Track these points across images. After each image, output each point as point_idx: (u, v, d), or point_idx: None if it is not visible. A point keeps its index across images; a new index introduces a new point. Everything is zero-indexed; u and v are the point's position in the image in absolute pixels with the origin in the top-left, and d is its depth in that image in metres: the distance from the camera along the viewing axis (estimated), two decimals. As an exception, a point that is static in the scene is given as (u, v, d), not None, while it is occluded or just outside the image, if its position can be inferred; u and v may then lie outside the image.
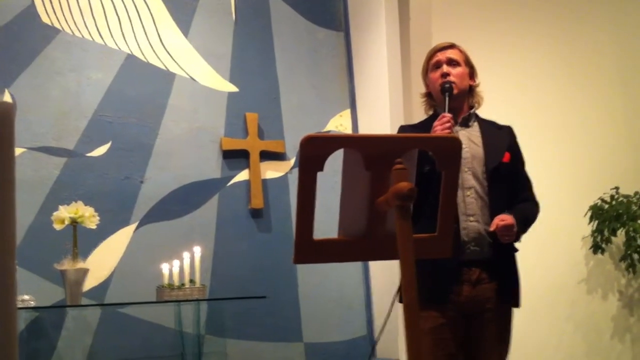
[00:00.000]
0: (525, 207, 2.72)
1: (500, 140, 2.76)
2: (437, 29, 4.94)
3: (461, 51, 2.82)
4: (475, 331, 2.63)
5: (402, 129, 2.89)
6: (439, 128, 2.55)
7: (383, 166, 1.62)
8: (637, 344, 4.49)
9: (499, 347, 2.64)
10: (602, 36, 4.87)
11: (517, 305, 2.71)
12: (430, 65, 2.82)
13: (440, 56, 2.78)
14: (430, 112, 2.87)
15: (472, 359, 2.65)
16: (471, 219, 2.59)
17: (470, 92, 2.81)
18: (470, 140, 2.71)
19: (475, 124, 2.79)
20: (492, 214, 2.61)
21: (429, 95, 2.87)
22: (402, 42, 5.02)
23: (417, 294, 1.55)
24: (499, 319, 2.64)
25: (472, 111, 2.81)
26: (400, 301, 2.58)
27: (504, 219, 2.55)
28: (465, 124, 2.77)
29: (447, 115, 2.59)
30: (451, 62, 2.76)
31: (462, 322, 2.62)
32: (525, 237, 2.70)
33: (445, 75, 2.73)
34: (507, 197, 2.69)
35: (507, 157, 2.71)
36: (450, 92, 2.69)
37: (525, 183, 2.81)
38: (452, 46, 2.82)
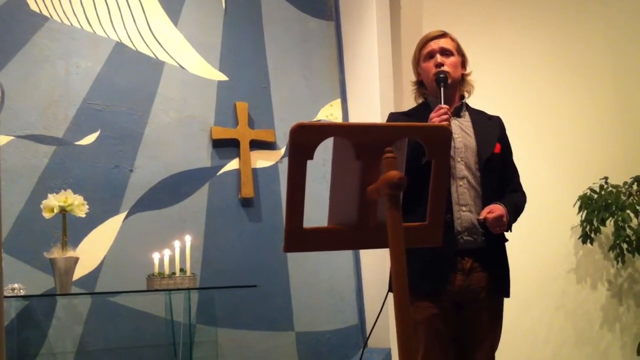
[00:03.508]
0: (514, 197, 2.74)
1: (491, 131, 2.76)
2: (427, 19, 4.94)
3: (453, 39, 2.81)
4: (467, 320, 2.64)
5: (392, 116, 2.89)
6: (437, 120, 2.54)
7: (373, 155, 1.62)
8: (626, 333, 4.52)
9: (490, 336, 2.65)
10: (592, 26, 4.88)
11: (507, 295, 2.72)
12: (423, 54, 2.79)
13: (434, 45, 2.76)
14: (420, 101, 2.87)
15: (463, 347, 2.66)
16: (464, 208, 2.60)
17: (461, 81, 2.81)
18: (463, 130, 2.72)
19: (466, 113, 2.79)
20: (484, 204, 2.62)
21: (419, 84, 2.85)
22: (392, 31, 5.02)
23: (407, 283, 1.55)
24: (491, 307, 2.66)
25: (463, 101, 2.81)
26: (391, 290, 2.59)
27: (493, 210, 2.56)
28: (457, 113, 2.77)
29: (444, 107, 2.58)
30: (444, 52, 2.75)
31: (455, 312, 2.63)
32: (514, 227, 2.72)
33: (439, 65, 2.72)
34: (498, 187, 2.70)
35: (498, 147, 2.72)
36: (445, 82, 2.68)
37: (513, 173, 2.83)
38: (444, 35, 2.80)
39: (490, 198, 2.64)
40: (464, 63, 2.82)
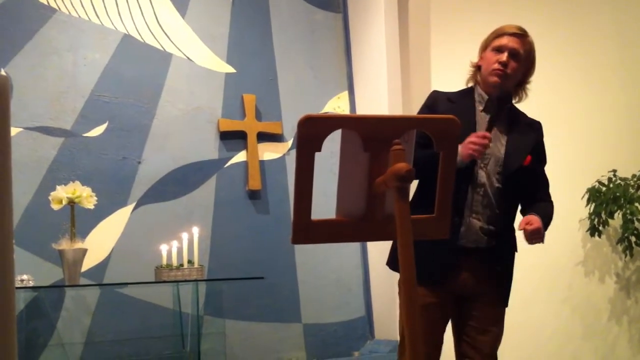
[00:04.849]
0: (545, 207, 2.68)
1: (526, 141, 2.67)
2: (435, 12, 4.92)
3: (530, 44, 2.71)
4: (468, 313, 2.62)
5: (436, 94, 2.75)
6: (472, 147, 2.43)
7: (381, 147, 1.62)
8: (634, 326, 4.51)
9: (494, 331, 2.63)
10: (602, 18, 4.85)
11: (505, 304, 2.68)
12: (494, 45, 2.68)
13: (508, 42, 2.66)
14: (471, 84, 2.77)
15: (467, 339, 2.64)
16: (474, 215, 2.56)
17: (517, 87, 2.72)
18: (496, 137, 2.62)
19: (506, 118, 2.69)
20: (495, 216, 2.58)
21: (477, 68, 2.75)
22: (400, 24, 5.00)
23: (414, 273, 1.56)
24: (493, 304, 2.63)
25: (507, 105, 2.69)
26: (388, 265, 2.66)
27: (531, 222, 2.52)
28: (497, 118, 2.66)
29: (488, 137, 2.48)
30: (514, 53, 2.64)
31: (454, 304, 2.62)
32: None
33: (503, 64, 2.61)
34: (518, 197, 2.66)
35: (528, 160, 2.63)
36: (497, 110, 2.58)
37: (543, 183, 2.76)
38: (523, 35, 2.71)
39: (503, 210, 2.60)
40: (527, 71, 2.72)
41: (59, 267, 3.87)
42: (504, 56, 2.63)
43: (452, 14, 4.92)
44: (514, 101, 2.76)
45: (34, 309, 4.04)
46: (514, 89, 2.72)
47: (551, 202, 2.77)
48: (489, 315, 2.63)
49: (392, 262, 2.69)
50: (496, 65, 2.63)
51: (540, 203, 2.69)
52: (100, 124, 4.42)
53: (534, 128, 2.76)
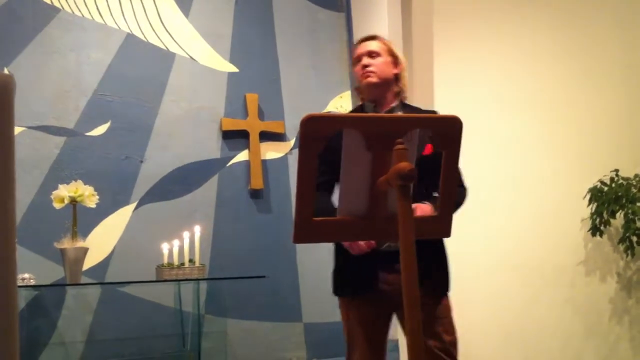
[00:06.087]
0: None
1: (422, 132, 2.68)
2: (439, 11, 4.92)
3: (383, 42, 2.78)
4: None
5: None
6: (360, 248, 2.45)
7: (384, 146, 1.62)
8: (635, 325, 4.51)
9: (442, 329, 2.55)
10: (604, 17, 4.84)
11: (445, 290, 2.62)
12: (353, 59, 2.81)
13: (361, 49, 2.76)
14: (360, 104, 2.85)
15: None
16: None
17: (396, 81, 2.75)
18: None
19: (400, 113, 2.70)
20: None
21: (358, 89, 2.83)
22: (403, 23, 4.99)
23: (416, 275, 1.56)
24: (433, 302, 2.55)
25: (396, 103, 2.73)
26: (334, 293, 2.68)
27: (415, 210, 2.46)
28: (391, 113, 2.70)
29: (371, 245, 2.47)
30: (371, 54, 2.73)
31: (397, 315, 2.60)
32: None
33: (365, 66, 2.70)
34: (430, 189, 2.55)
35: (428, 148, 2.59)
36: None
37: None
38: (373, 38, 2.80)
39: (419, 201, 2.52)
40: (395, 63, 2.77)
41: (60, 265, 3.87)
42: (363, 60, 2.72)
43: (456, 13, 4.92)
44: (400, 96, 2.77)
45: (35, 308, 4.05)
46: (392, 87, 2.75)
47: (462, 187, 2.69)
48: (434, 316, 2.54)
49: (337, 287, 2.70)
50: (361, 71, 2.71)
51: None
52: (103, 123, 4.43)
53: None
